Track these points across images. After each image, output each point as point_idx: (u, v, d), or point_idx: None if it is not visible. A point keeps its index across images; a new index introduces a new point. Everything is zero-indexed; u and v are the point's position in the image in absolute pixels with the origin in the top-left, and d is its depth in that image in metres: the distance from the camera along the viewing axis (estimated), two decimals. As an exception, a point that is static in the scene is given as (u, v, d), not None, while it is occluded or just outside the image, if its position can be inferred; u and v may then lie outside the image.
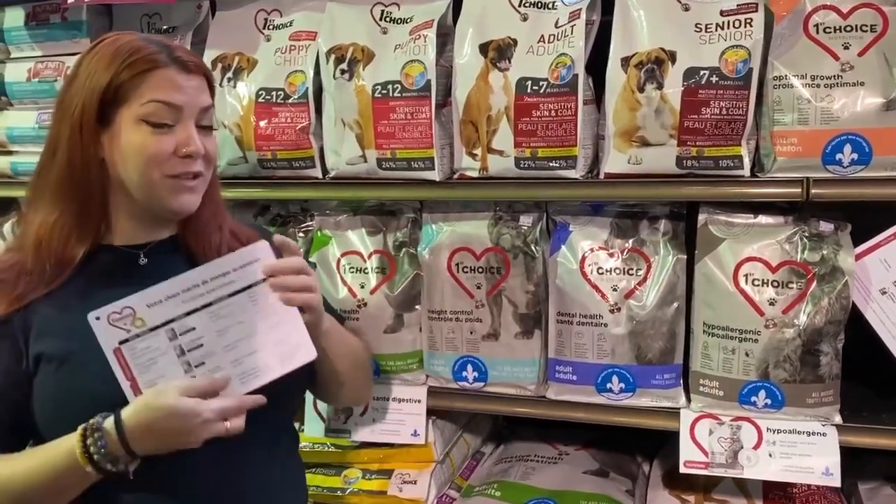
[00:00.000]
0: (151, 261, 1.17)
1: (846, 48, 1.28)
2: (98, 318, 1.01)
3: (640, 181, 1.39)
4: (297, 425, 1.47)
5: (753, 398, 1.38)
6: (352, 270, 1.61)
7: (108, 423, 1.01)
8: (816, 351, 1.35)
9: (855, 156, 1.28)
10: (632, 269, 1.45)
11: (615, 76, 1.37)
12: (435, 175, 1.49)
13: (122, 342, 1.02)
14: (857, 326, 1.36)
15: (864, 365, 1.40)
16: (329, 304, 1.44)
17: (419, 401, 1.60)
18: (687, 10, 1.37)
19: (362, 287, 1.59)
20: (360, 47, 1.52)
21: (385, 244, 1.61)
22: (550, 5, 1.45)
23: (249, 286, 1.07)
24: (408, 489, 1.60)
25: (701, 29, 1.35)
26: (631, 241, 1.47)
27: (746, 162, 1.34)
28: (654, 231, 1.47)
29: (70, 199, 1.12)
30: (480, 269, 1.52)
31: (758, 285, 1.36)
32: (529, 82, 1.40)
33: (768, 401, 1.37)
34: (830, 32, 1.29)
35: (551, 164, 1.41)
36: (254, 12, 1.67)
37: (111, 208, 1.15)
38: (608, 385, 1.47)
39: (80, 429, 1.01)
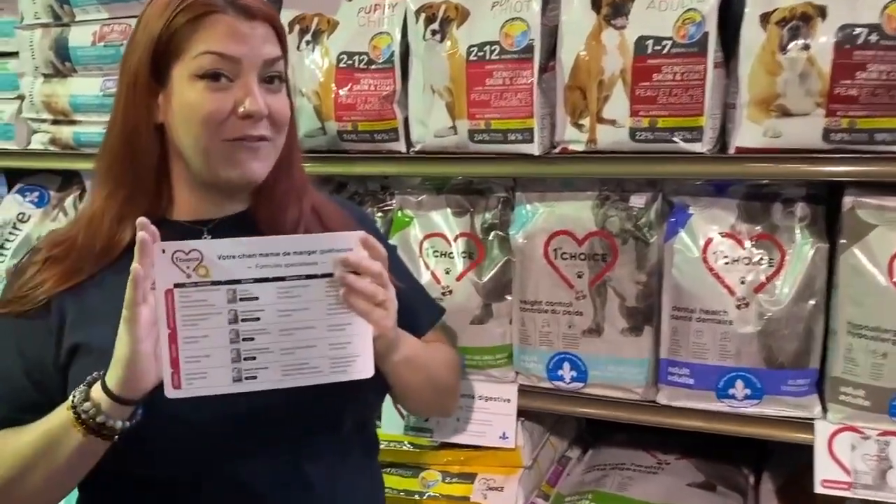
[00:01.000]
0: (217, 238, 1.04)
1: None
2: (164, 252, 0.89)
3: (778, 157, 1.22)
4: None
5: (907, 410, 1.20)
6: (436, 254, 1.49)
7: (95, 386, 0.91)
8: None
9: None
10: (762, 259, 1.28)
11: (752, 35, 1.20)
12: (534, 148, 1.34)
13: (177, 285, 0.90)
14: None
15: None
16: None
17: (508, 400, 1.47)
18: (840, -44, 1.19)
19: (447, 273, 1.48)
20: (453, 5, 1.38)
21: (472, 226, 1.48)
22: (675, -46, 1.28)
23: (331, 274, 0.95)
24: (493, 496, 1.48)
25: (857, -21, 1.16)
26: (761, 226, 1.29)
27: (909, 135, 1.15)
28: (789, 216, 1.29)
29: (125, 171, 1.01)
30: (582, 256, 1.38)
31: (917, 280, 1.17)
32: (651, 42, 1.23)
33: (926, 414, 1.19)
34: None
35: (673, 137, 1.25)
36: (335, -31, 1.54)
37: (173, 180, 1.04)
38: (731, 391, 1.31)
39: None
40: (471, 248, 1.47)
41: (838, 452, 1.25)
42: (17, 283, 1.03)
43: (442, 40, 1.37)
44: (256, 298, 0.93)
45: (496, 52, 1.32)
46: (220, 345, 0.93)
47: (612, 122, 1.29)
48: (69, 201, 1.92)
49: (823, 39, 1.16)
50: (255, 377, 0.93)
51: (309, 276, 0.95)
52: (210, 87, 0.95)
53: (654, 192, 1.36)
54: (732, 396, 1.31)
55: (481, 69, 1.33)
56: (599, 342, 1.39)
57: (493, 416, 1.47)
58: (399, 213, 1.54)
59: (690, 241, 1.32)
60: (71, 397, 0.91)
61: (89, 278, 1.00)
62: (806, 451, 1.28)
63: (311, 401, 0.98)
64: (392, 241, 1.49)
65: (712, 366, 1.31)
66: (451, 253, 1.48)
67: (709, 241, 1.31)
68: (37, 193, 1.95)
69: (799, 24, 1.17)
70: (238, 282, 0.93)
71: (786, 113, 1.19)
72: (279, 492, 1.01)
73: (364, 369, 0.97)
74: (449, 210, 1.50)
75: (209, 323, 0.92)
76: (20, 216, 1.90)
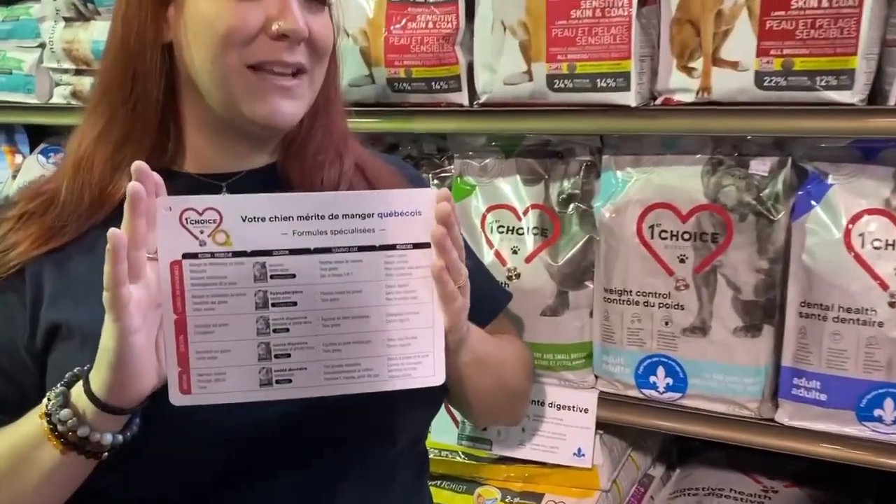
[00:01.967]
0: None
1: None
2: (170, 209, 0.72)
3: (959, 109, 0.97)
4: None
5: None
6: (501, 230, 1.33)
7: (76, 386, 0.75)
8: None
9: None
10: (927, 244, 1.06)
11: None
12: (630, 98, 1.15)
13: (187, 255, 0.72)
14: None
15: None
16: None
17: (586, 410, 1.30)
18: None
19: (515, 253, 1.31)
20: (531, -80, 1.18)
21: (547, 197, 1.31)
22: None
23: (393, 246, 0.78)
24: (563, 523, 1.31)
25: None
26: (926, 202, 1.07)
27: None
28: (966, 188, 1.04)
29: (122, 103, 0.87)
30: (686, 236, 1.20)
31: None
32: (789, -43, 1.02)
33: None
34: None
35: (815, 83, 1.03)
36: None
37: (183, 121, 0.88)
38: (877, 411, 1.09)
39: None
40: (544, 224, 1.31)
41: None
42: None
43: (517, -36, 1.18)
44: (293, 276, 0.77)
45: (586, -24, 1.13)
46: (243, 337, 0.76)
47: (734, 65, 1.09)
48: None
49: None
50: (289, 380, 0.76)
51: (362, 248, 0.77)
52: None
53: (782, 157, 1.16)
54: (879, 419, 1.10)
55: (565, -1, 1.14)
56: (704, 343, 1.21)
57: (567, 429, 1.31)
58: (459, 181, 1.38)
59: (829, 219, 1.12)
60: (45, 401, 0.74)
61: (74, 240, 0.86)
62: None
63: (357, 408, 0.82)
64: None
65: (853, 379, 1.11)
66: (521, 229, 1.32)
67: (854, 220, 1.10)
68: (61, 155, 1.85)
69: None
70: (269, 253, 0.76)
71: (974, 50, 0.93)
72: None
73: (434, 374, 0.81)
74: (518, 177, 1.33)
75: (229, 307, 0.75)
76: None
